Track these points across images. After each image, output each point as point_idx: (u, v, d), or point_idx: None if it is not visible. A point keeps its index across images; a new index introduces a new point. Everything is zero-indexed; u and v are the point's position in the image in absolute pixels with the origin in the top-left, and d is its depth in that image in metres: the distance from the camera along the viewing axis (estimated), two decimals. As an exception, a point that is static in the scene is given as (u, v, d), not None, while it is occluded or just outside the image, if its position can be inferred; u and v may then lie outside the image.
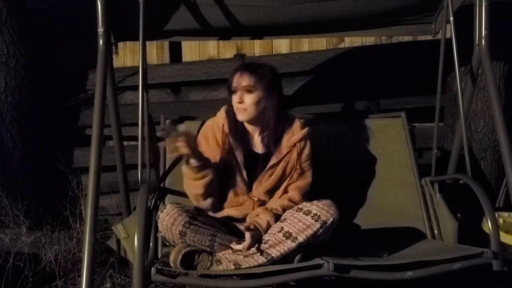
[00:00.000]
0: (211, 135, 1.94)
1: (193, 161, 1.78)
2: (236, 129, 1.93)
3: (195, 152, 1.77)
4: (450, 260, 1.61)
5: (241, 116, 1.91)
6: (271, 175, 1.92)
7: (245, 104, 1.88)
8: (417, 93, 2.92)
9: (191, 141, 1.75)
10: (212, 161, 1.89)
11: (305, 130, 1.97)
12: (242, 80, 1.88)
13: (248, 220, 1.86)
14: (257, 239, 1.74)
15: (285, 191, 1.94)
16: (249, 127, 1.97)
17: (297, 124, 1.98)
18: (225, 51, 3.12)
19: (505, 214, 2.37)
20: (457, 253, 1.64)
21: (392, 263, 1.59)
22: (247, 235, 1.71)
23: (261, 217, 1.82)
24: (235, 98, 1.90)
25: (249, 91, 1.88)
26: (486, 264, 1.62)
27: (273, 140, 1.94)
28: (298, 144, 1.94)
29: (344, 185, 2.16)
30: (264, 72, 1.92)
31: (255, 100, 1.89)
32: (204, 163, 1.81)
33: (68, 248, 2.39)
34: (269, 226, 1.79)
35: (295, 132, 1.95)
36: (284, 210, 1.85)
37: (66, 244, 2.40)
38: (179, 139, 1.70)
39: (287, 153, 1.93)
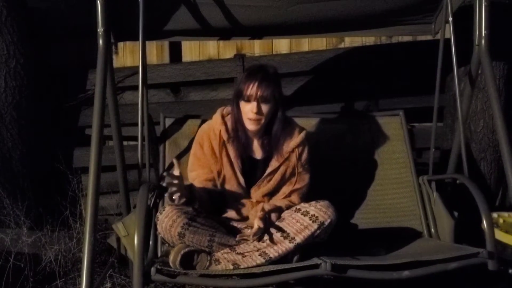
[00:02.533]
0: (207, 142, 1.90)
1: (176, 199, 1.70)
2: (235, 135, 1.88)
3: (182, 195, 1.71)
4: (446, 260, 1.62)
5: (252, 126, 1.84)
6: (269, 180, 1.91)
7: (261, 114, 1.82)
8: (417, 93, 2.92)
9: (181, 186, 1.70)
10: (207, 167, 1.88)
11: (303, 134, 1.94)
12: (260, 89, 1.79)
13: (251, 215, 1.86)
14: (267, 228, 1.74)
15: (285, 195, 1.92)
16: (250, 133, 1.90)
17: (295, 129, 1.94)
18: (225, 51, 3.13)
19: (505, 214, 2.37)
20: (453, 253, 1.65)
21: (389, 262, 1.60)
22: (256, 222, 1.71)
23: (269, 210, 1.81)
24: (249, 107, 1.81)
25: (266, 101, 1.82)
26: (482, 263, 1.63)
27: (273, 146, 1.91)
28: (297, 149, 1.92)
29: (342, 183, 2.16)
30: (277, 80, 1.87)
31: (270, 110, 1.84)
32: (185, 201, 1.74)
33: (68, 248, 2.39)
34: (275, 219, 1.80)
35: (294, 137, 1.92)
36: (286, 209, 1.84)
37: (66, 244, 2.40)
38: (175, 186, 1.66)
39: (286, 158, 1.91)
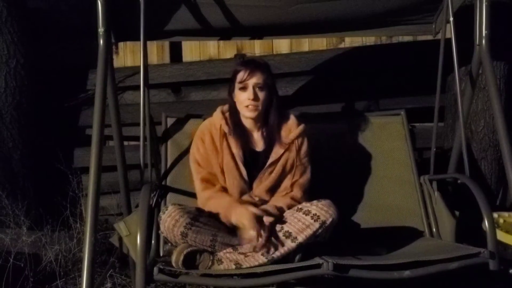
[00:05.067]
0: (208, 136, 1.94)
1: None
2: (234, 128, 1.93)
3: None
4: (448, 260, 1.61)
5: (251, 113, 1.91)
6: (271, 172, 1.92)
7: (257, 100, 1.90)
8: (417, 93, 2.92)
9: None
10: (210, 162, 1.91)
11: (302, 126, 1.97)
12: (254, 77, 1.89)
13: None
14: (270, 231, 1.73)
15: (287, 189, 1.93)
16: (248, 124, 1.97)
17: (293, 121, 1.99)
18: (225, 51, 3.13)
19: (505, 214, 2.37)
20: (455, 253, 1.65)
21: (390, 262, 1.60)
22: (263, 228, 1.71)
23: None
24: (246, 95, 1.90)
25: (261, 88, 1.90)
26: (483, 263, 1.62)
27: (273, 136, 1.95)
28: (296, 141, 1.95)
29: (344, 183, 2.16)
30: (269, 69, 1.96)
31: (266, 97, 1.92)
32: None
33: (69, 248, 2.39)
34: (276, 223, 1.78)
35: (292, 129, 1.96)
36: (288, 208, 1.84)
37: (66, 244, 2.40)
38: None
39: (286, 150, 1.93)
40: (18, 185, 2.65)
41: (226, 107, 2.00)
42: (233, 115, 1.96)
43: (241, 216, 1.76)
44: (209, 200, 1.88)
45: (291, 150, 1.94)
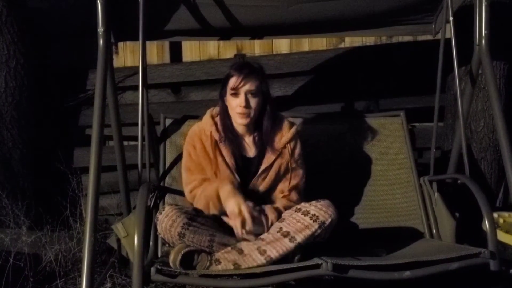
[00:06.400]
0: (199, 144, 1.90)
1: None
2: (226, 134, 1.89)
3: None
4: (448, 260, 1.61)
5: (242, 120, 1.87)
6: (264, 178, 1.90)
7: (249, 108, 1.86)
8: (417, 93, 2.92)
9: None
10: (203, 168, 1.89)
11: (293, 129, 1.95)
12: (247, 83, 1.84)
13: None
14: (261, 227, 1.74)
15: (283, 192, 1.91)
16: (241, 130, 1.94)
17: (285, 124, 1.95)
18: (225, 51, 3.13)
19: (505, 214, 2.37)
20: (455, 253, 1.65)
21: (390, 263, 1.59)
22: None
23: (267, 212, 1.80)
24: (237, 101, 1.85)
25: (253, 94, 1.86)
26: (483, 264, 1.62)
27: (265, 142, 1.91)
28: (289, 145, 1.92)
29: (343, 184, 2.16)
30: (264, 73, 1.91)
31: (259, 103, 1.88)
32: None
33: (68, 248, 2.39)
34: (271, 223, 1.78)
35: (284, 133, 1.93)
36: (285, 209, 1.84)
37: (66, 244, 2.40)
38: None
39: (278, 156, 1.91)
40: (18, 185, 2.65)
41: (216, 110, 1.97)
42: (224, 120, 1.92)
43: (233, 209, 1.72)
44: (203, 191, 1.84)
45: (283, 156, 1.91)
